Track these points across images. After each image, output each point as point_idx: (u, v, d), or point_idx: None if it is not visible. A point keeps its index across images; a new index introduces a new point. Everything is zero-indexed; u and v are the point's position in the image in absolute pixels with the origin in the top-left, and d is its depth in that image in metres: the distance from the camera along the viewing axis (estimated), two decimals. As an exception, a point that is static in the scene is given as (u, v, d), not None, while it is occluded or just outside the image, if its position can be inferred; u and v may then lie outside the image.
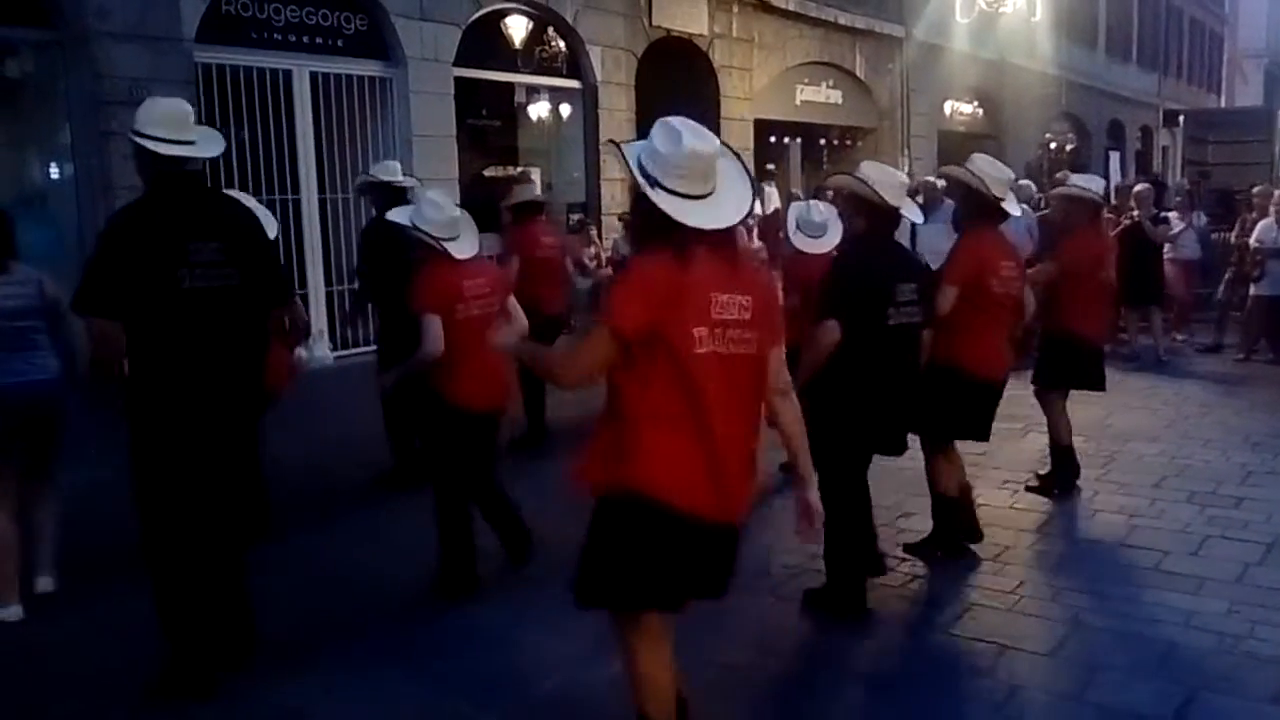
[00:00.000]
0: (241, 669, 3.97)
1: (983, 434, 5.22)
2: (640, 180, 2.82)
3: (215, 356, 3.79)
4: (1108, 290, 6.75)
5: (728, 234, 2.87)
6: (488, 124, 13.41)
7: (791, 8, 16.86)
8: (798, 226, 6.20)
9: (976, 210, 5.15)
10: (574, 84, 13.65)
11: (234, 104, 9.66)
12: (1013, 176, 5.17)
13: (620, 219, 13.03)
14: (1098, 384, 6.37)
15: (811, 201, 6.65)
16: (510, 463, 6.17)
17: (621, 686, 3.10)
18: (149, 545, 3.84)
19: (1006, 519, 5.76)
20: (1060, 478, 6.20)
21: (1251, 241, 10.88)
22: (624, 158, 2.90)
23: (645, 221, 2.87)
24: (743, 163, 3.03)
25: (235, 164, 9.72)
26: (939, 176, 5.73)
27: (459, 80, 11.82)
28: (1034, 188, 12.91)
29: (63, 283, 4.83)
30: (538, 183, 12.39)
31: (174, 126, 3.85)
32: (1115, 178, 18.00)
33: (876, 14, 19.11)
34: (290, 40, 10.40)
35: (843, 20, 18.17)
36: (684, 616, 3.05)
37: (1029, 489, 6.22)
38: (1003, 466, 6.55)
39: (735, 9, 15.81)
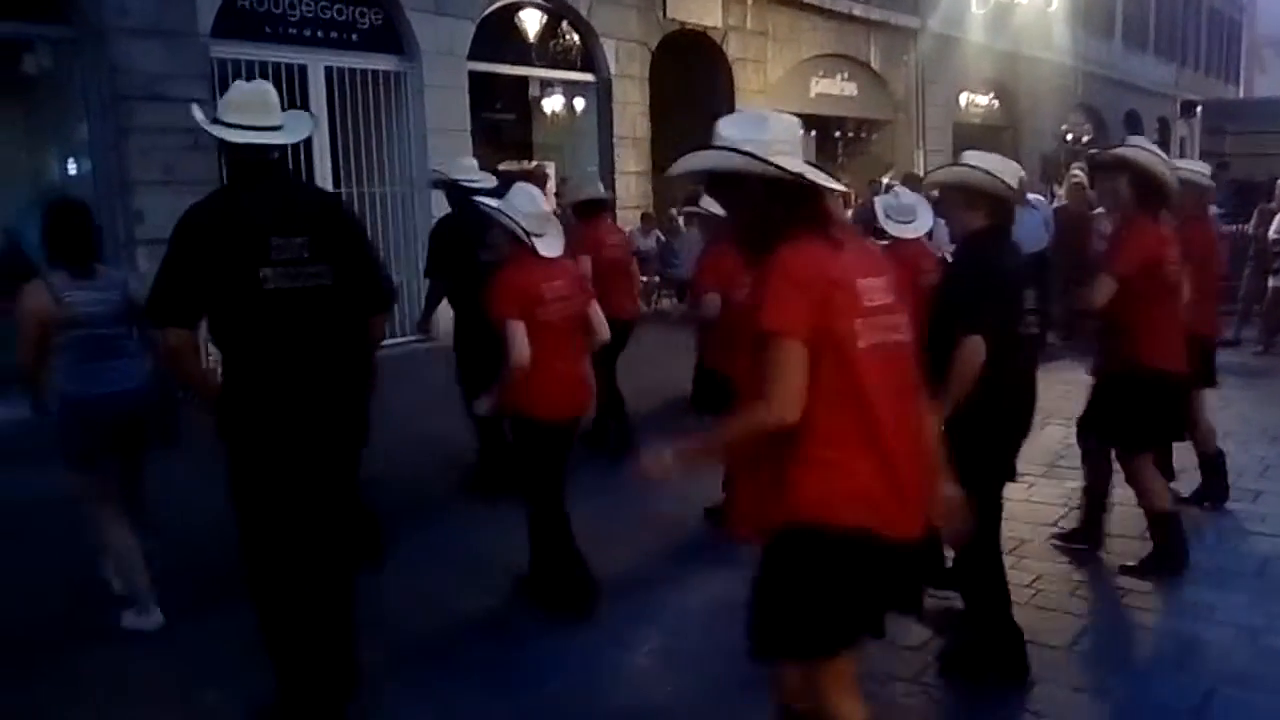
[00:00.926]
0: (348, 701, 3.69)
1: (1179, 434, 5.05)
2: (753, 164, 2.52)
3: (307, 367, 3.40)
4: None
5: (834, 215, 2.63)
6: (502, 118, 13.44)
7: (806, 0, 16.82)
8: (886, 215, 6.16)
9: (1149, 196, 4.74)
10: (588, 77, 13.66)
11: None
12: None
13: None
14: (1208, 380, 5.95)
15: (897, 187, 6.60)
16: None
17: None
18: (254, 580, 3.51)
19: (1025, 512, 5.73)
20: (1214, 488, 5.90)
21: (1271, 233, 10.80)
22: (716, 154, 2.59)
23: (766, 217, 2.57)
24: None
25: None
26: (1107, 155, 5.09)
27: (473, 74, 11.85)
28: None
29: None
30: (552, 175, 12.45)
31: (250, 111, 3.47)
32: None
33: (891, 6, 19.04)
34: (305, 35, 10.43)
35: (857, 12, 18.12)
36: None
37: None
38: (1019, 459, 6.51)
39: (749, 1, 15.78)
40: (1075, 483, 6.15)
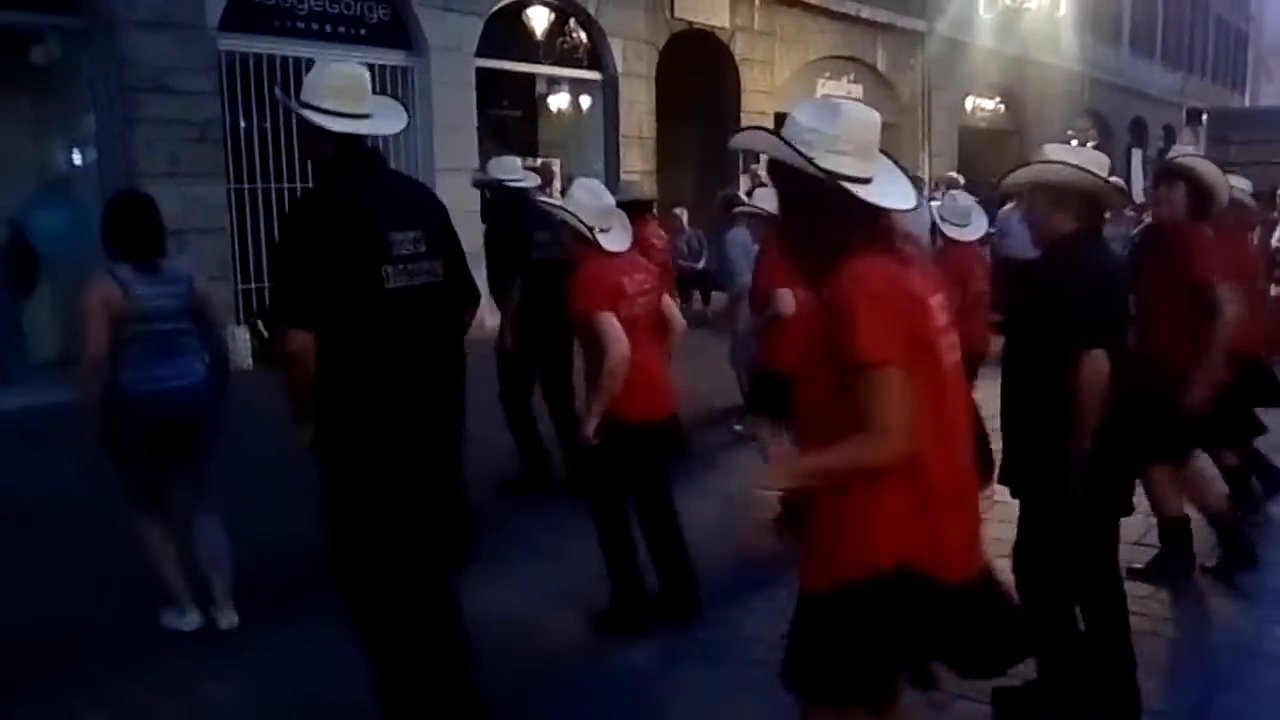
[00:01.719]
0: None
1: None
2: (809, 168, 2.27)
3: (423, 368, 3.21)
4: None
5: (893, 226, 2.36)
6: (508, 114, 13.45)
7: (813, 1, 16.84)
8: (943, 218, 6.18)
9: (1204, 205, 4.62)
10: (595, 75, 13.67)
11: (256, 92, 9.72)
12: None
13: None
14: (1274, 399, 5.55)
15: (950, 191, 6.65)
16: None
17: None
18: (359, 604, 3.24)
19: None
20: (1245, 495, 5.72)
21: (1274, 242, 10.79)
22: (774, 142, 2.34)
23: (822, 222, 2.32)
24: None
25: (258, 153, 9.79)
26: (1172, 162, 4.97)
27: (480, 71, 11.87)
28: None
29: (87, 269, 4.65)
30: (557, 172, 12.46)
31: (349, 97, 3.23)
32: (1137, 176, 17.86)
33: (899, 8, 19.05)
34: (313, 29, 10.45)
35: (865, 14, 18.12)
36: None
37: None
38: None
39: (757, 2, 15.80)
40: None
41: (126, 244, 4.21)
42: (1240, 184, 6.05)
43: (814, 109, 2.36)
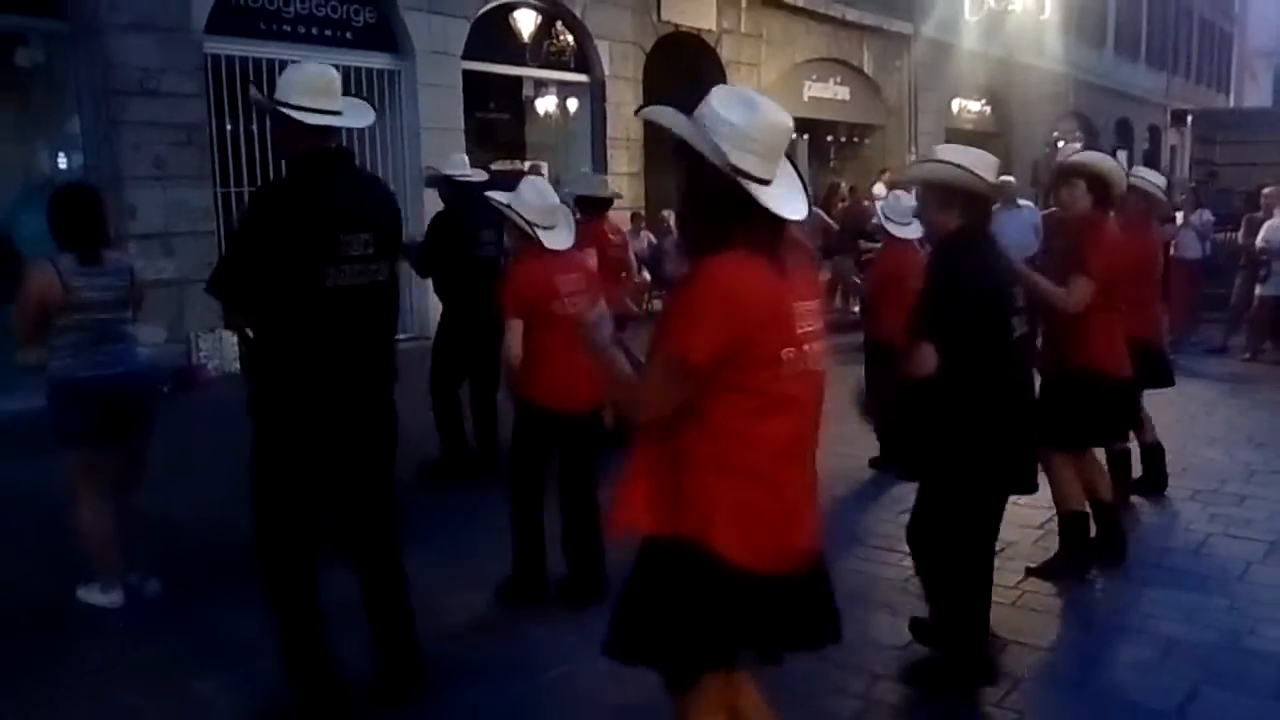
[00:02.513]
0: (410, 697, 3.68)
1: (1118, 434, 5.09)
2: (712, 156, 2.28)
3: (357, 361, 3.40)
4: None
5: (786, 229, 2.38)
6: (496, 117, 13.44)
7: (800, 4, 16.89)
8: (886, 215, 6.35)
9: (1105, 196, 4.77)
10: (582, 78, 13.68)
11: (243, 95, 9.68)
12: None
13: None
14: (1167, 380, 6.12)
15: (895, 191, 6.82)
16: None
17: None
18: (267, 561, 3.46)
19: (1010, 515, 5.73)
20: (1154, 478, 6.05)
21: (1258, 242, 10.87)
22: (682, 121, 2.36)
23: (713, 211, 2.33)
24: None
25: (244, 156, 9.77)
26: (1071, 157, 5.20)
27: (467, 73, 11.87)
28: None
29: None
30: (545, 175, 12.45)
31: (320, 94, 3.38)
32: (1122, 177, 17.93)
33: (885, 11, 19.11)
34: (299, 32, 10.45)
35: (850, 17, 18.18)
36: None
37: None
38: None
39: (744, 4, 15.83)
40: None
41: (69, 235, 4.37)
42: (1153, 177, 6.33)
43: (732, 100, 2.33)
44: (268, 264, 3.21)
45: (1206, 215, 12.20)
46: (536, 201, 4.43)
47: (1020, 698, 3.75)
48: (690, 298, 2.29)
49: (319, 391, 3.33)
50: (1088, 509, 4.86)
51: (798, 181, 2.41)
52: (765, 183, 2.28)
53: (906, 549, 5.12)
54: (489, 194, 4.92)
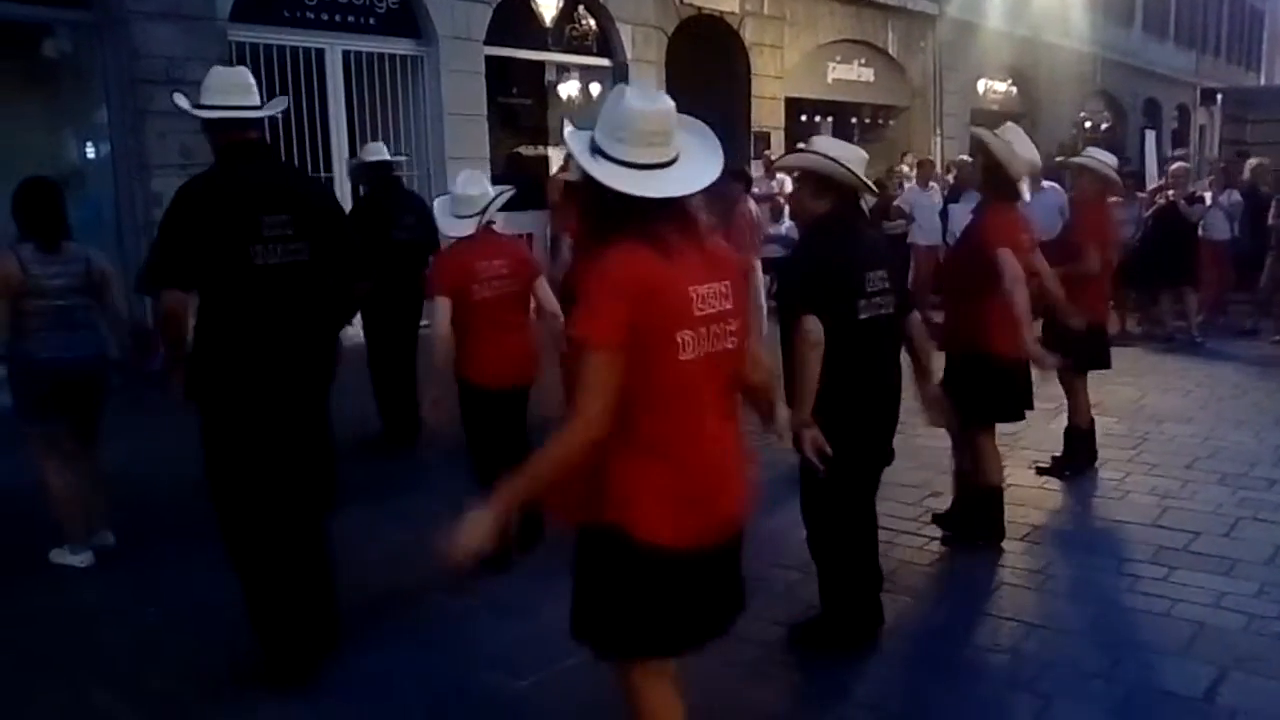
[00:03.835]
0: (328, 652, 3.95)
1: (1018, 414, 5.15)
2: (583, 154, 2.43)
3: (285, 334, 3.69)
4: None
5: (688, 213, 2.49)
6: (518, 102, 13.43)
7: (823, -15, 16.76)
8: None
9: (996, 183, 4.96)
10: (604, 62, 13.65)
11: (267, 82, 9.71)
12: (1036, 161, 4.96)
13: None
14: (1105, 363, 6.36)
15: None
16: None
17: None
18: (229, 530, 3.77)
19: (1036, 499, 5.76)
20: (1073, 462, 6.21)
21: (1270, 219, 10.75)
22: (566, 139, 2.54)
23: (595, 205, 2.45)
24: (712, 135, 2.62)
25: (269, 142, 9.80)
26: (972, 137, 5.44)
27: (490, 59, 11.86)
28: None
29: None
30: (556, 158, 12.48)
31: (231, 92, 3.73)
32: (1151, 157, 17.73)
33: (909, -9, 18.96)
34: (323, 19, 10.46)
35: (875, -3, 18.03)
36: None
37: (1040, 470, 6.21)
38: (1032, 447, 6.53)
39: (766, -14, 15.74)
40: (1067, 472, 6.17)
41: (30, 225, 4.74)
42: (1103, 156, 6.54)
43: (612, 95, 2.45)
44: (197, 248, 3.53)
45: (1235, 196, 12.03)
46: (457, 190, 4.90)
47: (1047, 682, 3.75)
48: (585, 290, 2.39)
49: (255, 365, 3.63)
50: (1002, 485, 5.14)
51: (704, 164, 2.51)
52: (643, 167, 2.38)
53: (927, 533, 5.18)
54: (437, 200, 5.22)
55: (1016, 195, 4.94)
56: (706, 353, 2.43)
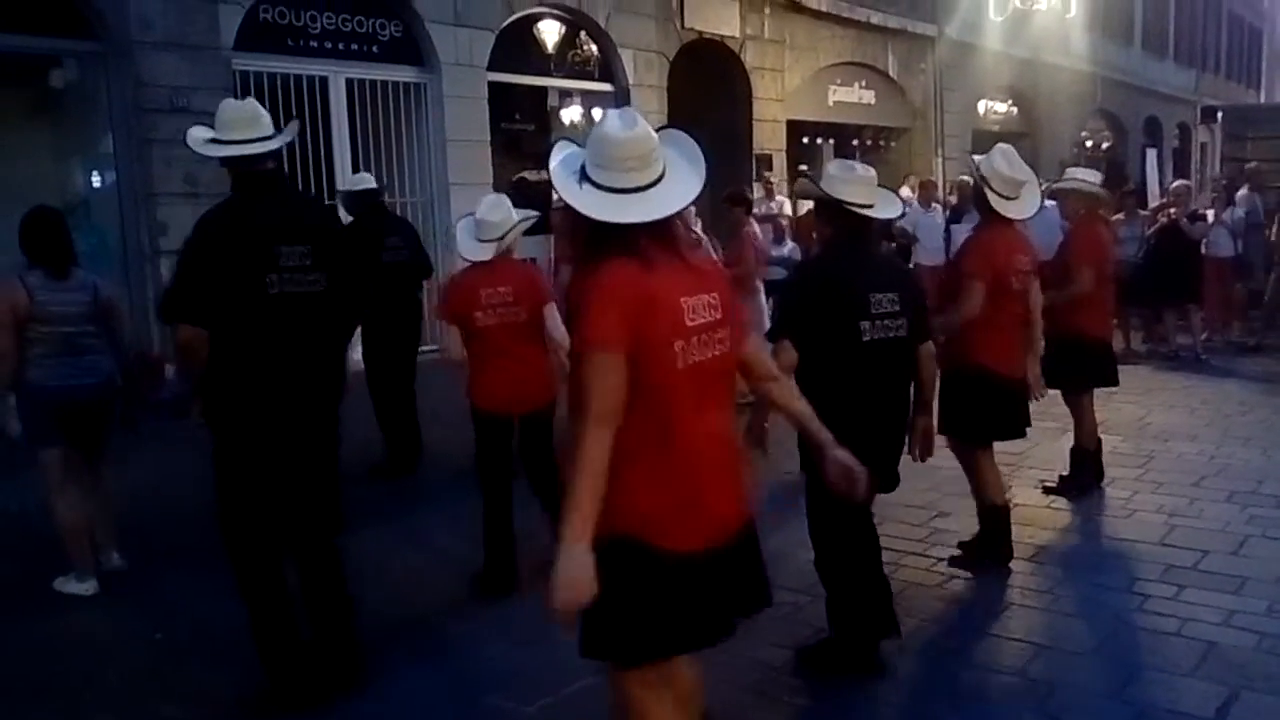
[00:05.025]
0: (353, 687, 3.90)
1: (1019, 432, 5.15)
2: (568, 182, 2.54)
3: (299, 362, 3.73)
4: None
5: (671, 230, 2.58)
6: (521, 128, 13.49)
7: (823, 8, 16.83)
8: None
9: (983, 205, 5.00)
10: (606, 87, 13.70)
11: (271, 111, 9.68)
12: (1024, 179, 4.95)
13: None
14: (1113, 380, 6.36)
15: None
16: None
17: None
18: (235, 552, 3.78)
19: (1044, 518, 5.74)
20: (1079, 481, 6.19)
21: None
22: (549, 166, 2.64)
23: (579, 230, 2.56)
24: (699, 151, 2.69)
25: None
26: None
27: (492, 85, 11.92)
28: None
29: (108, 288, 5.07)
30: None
31: (242, 126, 3.79)
32: (1153, 175, 17.75)
33: (909, 13, 19.03)
34: (326, 47, 10.53)
35: (875, 20, 18.11)
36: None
37: (1047, 490, 6.19)
38: (1039, 466, 6.52)
39: (767, 10, 15.81)
40: (1094, 489, 6.18)
41: (38, 253, 4.79)
42: (1085, 175, 6.66)
43: (600, 124, 2.56)
44: (215, 278, 3.57)
45: (1239, 213, 12.06)
46: (481, 215, 4.90)
47: (1056, 704, 3.73)
48: (583, 304, 2.48)
49: (268, 391, 3.66)
50: (1007, 503, 5.13)
51: (686, 183, 2.60)
52: (625, 191, 2.49)
53: (934, 554, 5.17)
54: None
55: (1009, 217, 4.96)
56: (698, 361, 2.52)
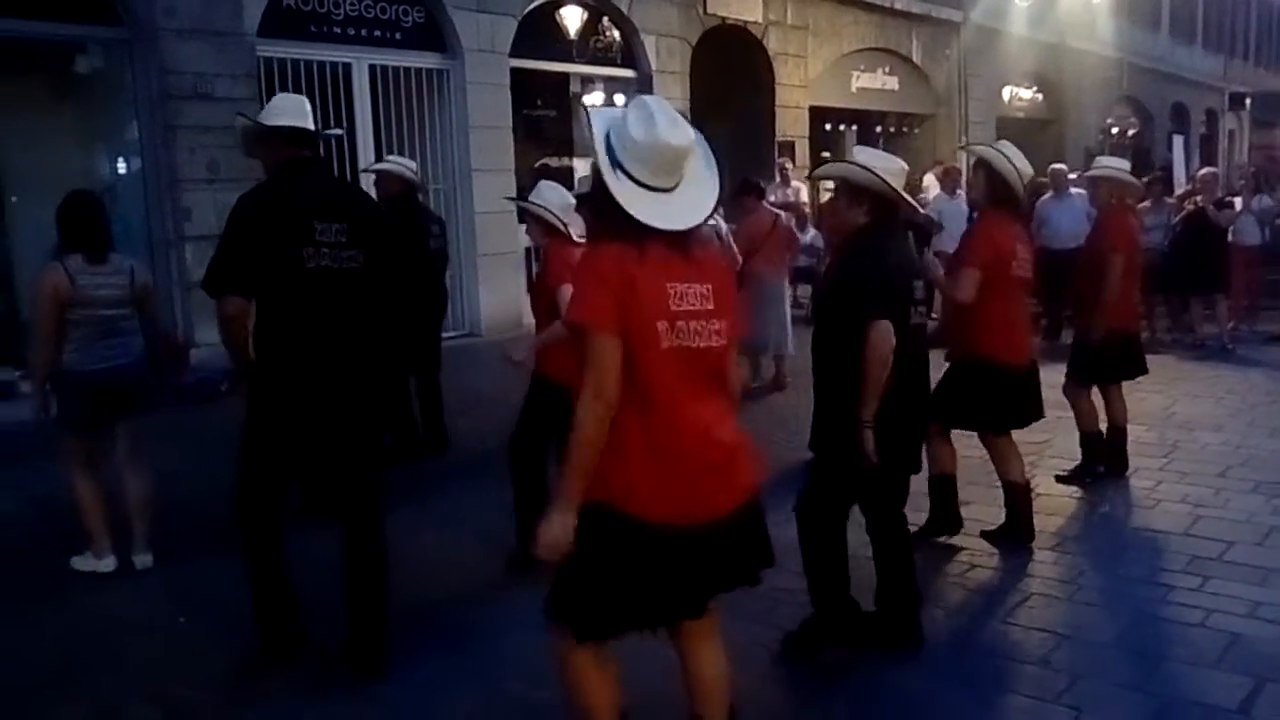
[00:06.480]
0: (374, 672, 3.93)
1: (1022, 420, 5.19)
2: (603, 160, 2.64)
3: (337, 336, 3.82)
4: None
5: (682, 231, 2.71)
6: (543, 114, 13.49)
7: (847, -7, 16.74)
8: None
9: (1000, 197, 5.04)
10: (629, 73, 13.68)
11: (295, 97, 9.82)
12: (1030, 173, 5.08)
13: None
14: (1141, 370, 6.35)
15: None
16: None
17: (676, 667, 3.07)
18: (243, 517, 3.91)
19: (1067, 508, 5.72)
20: (1091, 467, 6.20)
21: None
22: (591, 129, 2.70)
23: (603, 204, 2.66)
24: (715, 159, 2.82)
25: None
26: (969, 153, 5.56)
27: (515, 71, 11.92)
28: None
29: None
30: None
31: (295, 116, 3.97)
32: (1179, 162, 17.58)
33: (933, -1, 18.91)
34: (349, 33, 10.56)
35: (899, 5, 18.00)
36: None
37: (1059, 479, 6.19)
38: (1061, 455, 6.48)
39: (790, -5, 15.73)
40: (1116, 478, 6.14)
41: (77, 238, 4.87)
42: (1113, 163, 6.57)
43: (640, 116, 2.62)
44: (255, 251, 3.70)
45: (1266, 201, 11.93)
46: (557, 199, 4.89)
47: (1079, 694, 3.72)
48: (574, 280, 2.66)
49: (307, 363, 3.77)
50: (1028, 481, 5.24)
51: (703, 192, 2.72)
52: (656, 190, 2.62)
53: (955, 543, 5.15)
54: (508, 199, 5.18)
55: (1018, 206, 5.09)
56: (687, 346, 2.63)
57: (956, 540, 5.20)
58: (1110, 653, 4.04)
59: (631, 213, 2.59)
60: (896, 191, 3.88)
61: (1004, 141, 5.21)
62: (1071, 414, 6.27)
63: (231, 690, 3.91)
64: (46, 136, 9.70)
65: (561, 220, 4.81)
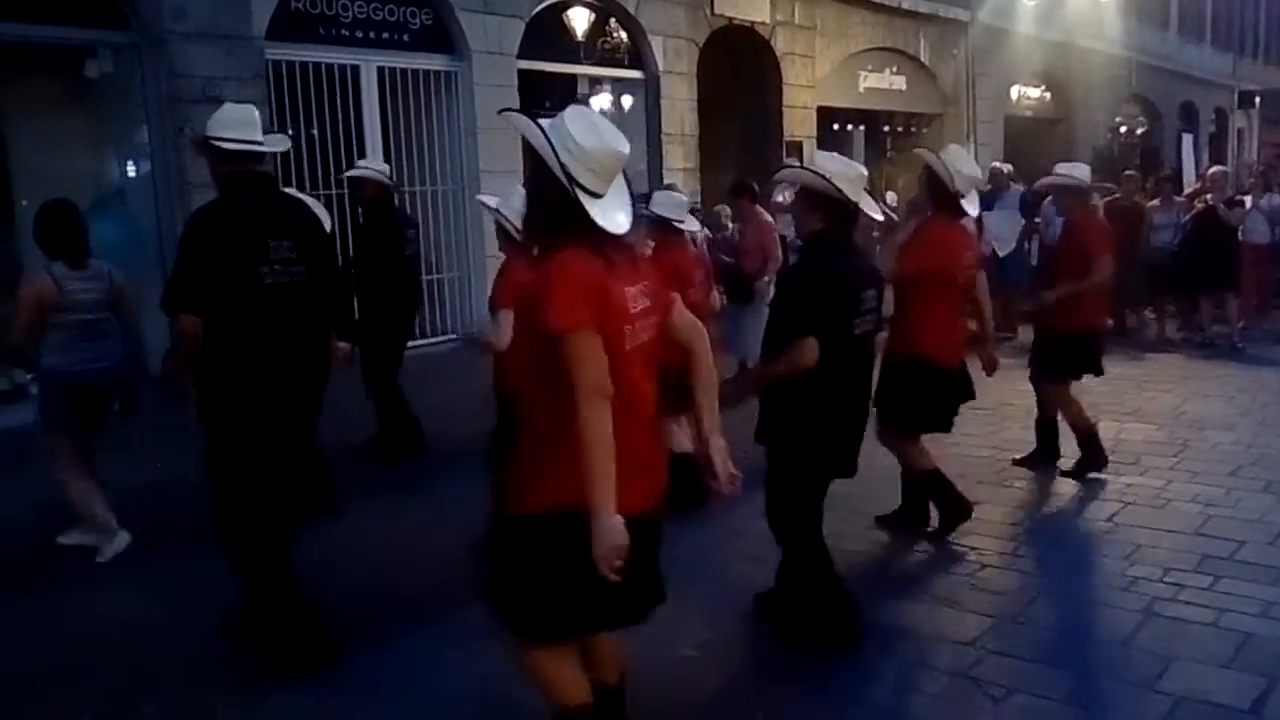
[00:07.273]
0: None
1: (946, 425, 5.27)
2: (559, 172, 2.68)
3: (288, 348, 3.98)
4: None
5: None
6: (551, 115, 13.45)
7: (854, -6, 16.72)
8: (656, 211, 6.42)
9: (940, 200, 5.15)
10: (636, 74, 13.68)
11: (303, 100, 9.86)
12: (978, 177, 5.20)
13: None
14: (1097, 369, 6.38)
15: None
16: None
17: (676, 666, 3.09)
18: (232, 533, 4.03)
19: (1076, 507, 5.72)
20: (1093, 464, 6.24)
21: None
22: (539, 135, 2.73)
23: (554, 213, 2.73)
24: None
25: (305, 159, 9.91)
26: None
27: (522, 73, 11.92)
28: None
29: (142, 278, 5.19)
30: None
31: (239, 127, 4.02)
32: (1189, 161, 17.54)
33: (941, -2, 18.88)
34: (357, 36, 10.57)
35: (906, 5, 17.97)
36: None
37: (1063, 474, 6.25)
38: (1067, 454, 6.47)
39: (797, -4, 15.72)
40: (1126, 478, 6.15)
41: (58, 245, 5.04)
42: (1070, 170, 6.59)
43: (581, 124, 2.72)
44: (213, 269, 3.80)
45: (1276, 199, 11.88)
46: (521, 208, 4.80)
47: (1089, 694, 3.72)
48: (545, 285, 2.64)
49: (263, 376, 3.89)
50: (936, 468, 5.33)
51: (626, 195, 2.82)
52: (598, 196, 2.70)
53: (962, 541, 5.15)
54: (479, 197, 5.21)
55: (960, 211, 5.16)
56: (639, 344, 2.78)
57: (966, 540, 5.19)
58: (1121, 652, 4.04)
59: (601, 223, 2.68)
60: (847, 198, 3.94)
61: (954, 146, 5.33)
62: (1062, 415, 6.30)
63: (236, 689, 3.92)
64: (57, 140, 9.72)
65: (518, 230, 4.76)
